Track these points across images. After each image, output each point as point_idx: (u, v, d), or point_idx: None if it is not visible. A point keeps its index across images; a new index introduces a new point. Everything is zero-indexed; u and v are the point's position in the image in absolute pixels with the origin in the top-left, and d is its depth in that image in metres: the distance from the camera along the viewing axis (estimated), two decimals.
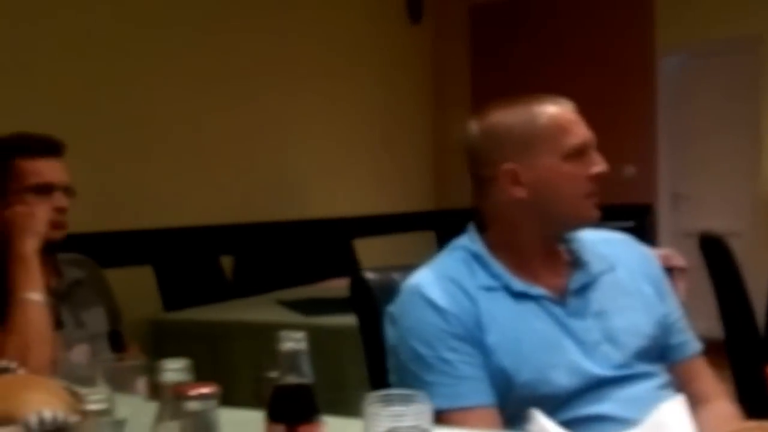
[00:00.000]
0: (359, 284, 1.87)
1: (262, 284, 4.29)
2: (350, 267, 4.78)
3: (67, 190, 2.26)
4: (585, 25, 6.29)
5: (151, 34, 4.23)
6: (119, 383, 1.33)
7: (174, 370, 1.09)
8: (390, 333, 1.64)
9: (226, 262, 4.55)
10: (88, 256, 2.55)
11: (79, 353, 1.81)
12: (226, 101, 4.63)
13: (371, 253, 5.26)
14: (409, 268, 1.73)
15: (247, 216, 4.75)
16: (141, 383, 1.33)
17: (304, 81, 5.15)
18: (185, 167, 4.39)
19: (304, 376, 1.08)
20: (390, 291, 1.74)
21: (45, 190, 2.20)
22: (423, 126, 6.36)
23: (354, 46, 5.57)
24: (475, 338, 1.55)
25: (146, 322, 3.52)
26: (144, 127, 4.16)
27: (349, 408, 1.23)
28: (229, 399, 1.40)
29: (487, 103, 1.68)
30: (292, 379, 1.06)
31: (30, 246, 2.11)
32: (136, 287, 3.72)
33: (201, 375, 1.17)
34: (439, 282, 1.59)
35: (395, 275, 1.82)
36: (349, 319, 2.22)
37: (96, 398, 0.97)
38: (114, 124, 4.00)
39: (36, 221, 2.13)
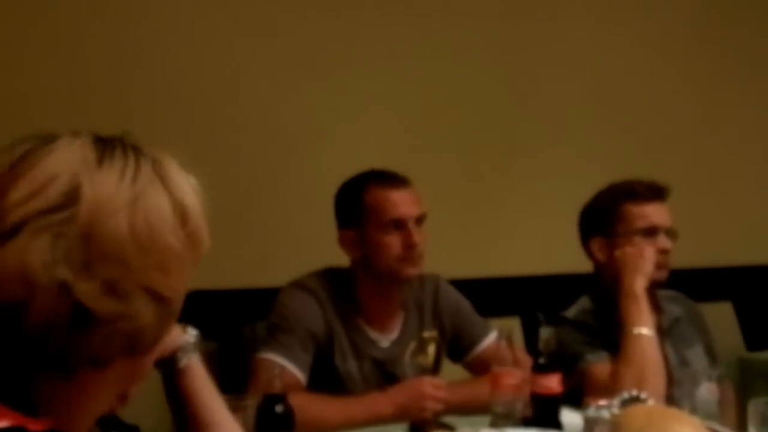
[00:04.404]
0: None
1: None
2: None
3: (670, 233, 2.42)
4: None
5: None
6: None
7: None
8: None
9: None
10: (678, 291, 2.68)
11: (706, 390, 1.92)
12: None
13: None
14: None
15: None
16: None
17: None
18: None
19: None
20: None
21: (651, 232, 2.39)
22: None
23: None
24: None
25: (732, 360, 3.50)
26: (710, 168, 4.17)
27: None
28: None
29: None
30: None
31: (639, 284, 2.31)
32: (715, 322, 3.73)
33: None
34: None
35: None
36: None
37: None
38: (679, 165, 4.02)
39: (645, 262, 2.33)
